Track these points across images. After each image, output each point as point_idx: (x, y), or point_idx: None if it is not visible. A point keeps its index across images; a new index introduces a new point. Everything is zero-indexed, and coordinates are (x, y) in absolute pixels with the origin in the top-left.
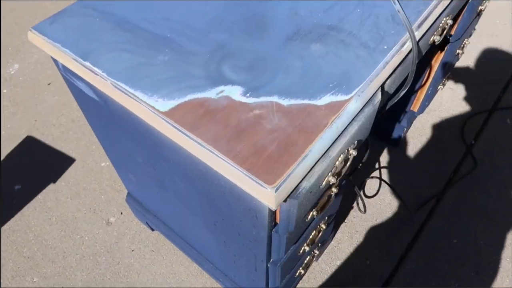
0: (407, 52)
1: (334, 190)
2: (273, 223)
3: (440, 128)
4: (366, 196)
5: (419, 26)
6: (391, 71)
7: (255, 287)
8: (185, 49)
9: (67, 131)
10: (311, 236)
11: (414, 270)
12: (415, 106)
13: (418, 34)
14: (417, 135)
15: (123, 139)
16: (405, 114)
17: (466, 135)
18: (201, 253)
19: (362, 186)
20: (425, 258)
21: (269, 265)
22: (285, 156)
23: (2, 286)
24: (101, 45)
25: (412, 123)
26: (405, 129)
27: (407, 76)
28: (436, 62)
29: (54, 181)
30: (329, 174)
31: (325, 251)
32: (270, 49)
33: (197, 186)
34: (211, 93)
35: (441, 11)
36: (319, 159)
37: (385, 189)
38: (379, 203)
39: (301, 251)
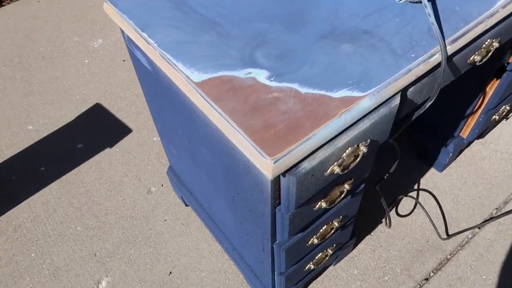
0: (434, 63)
1: (347, 186)
2: (277, 201)
3: (492, 162)
4: (398, 215)
5: (454, 41)
6: (413, 79)
7: (263, 270)
8: (228, 33)
9: (131, 104)
10: (321, 230)
11: None
12: (464, 132)
13: (450, 49)
14: (465, 164)
15: (167, 109)
16: (452, 138)
17: None
18: (222, 231)
19: (395, 202)
20: (448, 287)
21: (274, 246)
22: (291, 135)
23: (50, 229)
24: (158, 20)
25: (460, 149)
26: (451, 154)
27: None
28: (491, 89)
29: (111, 146)
30: (335, 163)
31: (345, 258)
32: (302, 42)
33: (220, 159)
34: (240, 73)
35: (482, 30)
36: (323, 145)
37: (420, 210)
38: (410, 223)
39: (309, 242)
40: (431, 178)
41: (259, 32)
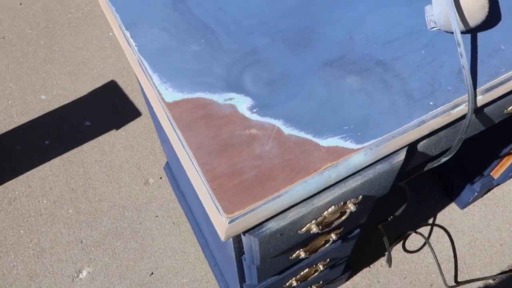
0: (458, 116)
1: (333, 236)
2: (242, 250)
3: None
4: (405, 250)
5: (488, 90)
6: (427, 132)
7: None
8: (220, 44)
9: None
10: (302, 273)
11: None
12: (496, 172)
13: (482, 100)
14: (492, 204)
15: (153, 110)
16: (481, 177)
17: None
18: (207, 242)
19: (403, 237)
20: None
21: (244, 286)
22: (258, 188)
23: (43, 207)
24: (148, 18)
25: (488, 188)
26: (476, 193)
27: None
28: None
29: (117, 128)
30: (312, 222)
31: None
32: (301, 67)
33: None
34: (220, 97)
35: None
36: (298, 203)
37: (429, 249)
38: (415, 261)
39: (287, 284)
40: (449, 214)
41: (254, 48)
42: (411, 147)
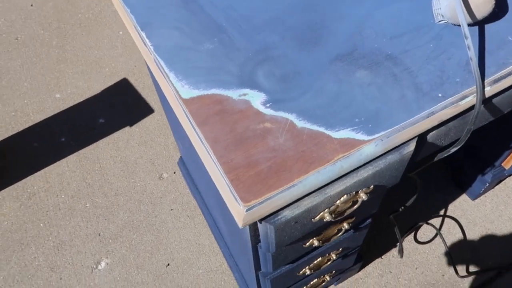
0: (466, 107)
1: (346, 225)
2: (258, 238)
3: None
4: (417, 241)
5: (496, 81)
6: (436, 123)
7: (252, 286)
8: (232, 43)
9: None
10: (316, 262)
11: None
12: (507, 163)
13: (490, 91)
14: (504, 195)
15: (168, 107)
16: (492, 168)
17: None
18: (221, 234)
19: (414, 228)
20: None
21: (259, 274)
22: (273, 179)
23: (62, 201)
24: (162, 18)
25: (499, 179)
26: (488, 184)
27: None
28: None
29: (131, 124)
30: (325, 210)
31: (348, 278)
32: (312, 64)
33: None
34: (235, 93)
35: None
36: (311, 193)
37: (441, 240)
38: (427, 252)
39: (301, 272)
40: (460, 205)
41: (266, 46)
42: (421, 138)
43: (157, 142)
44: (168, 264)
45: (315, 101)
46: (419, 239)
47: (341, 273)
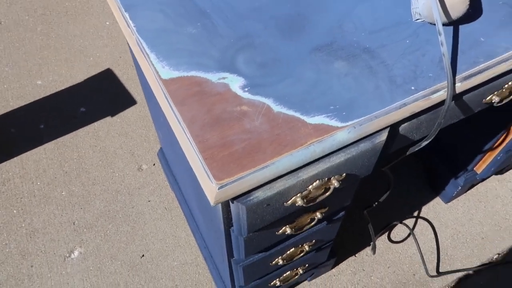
0: (437, 101)
1: (318, 215)
2: (230, 221)
3: (506, 203)
4: (390, 240)
5: (467, 78)
6: (407, 115)
7: (228, 278)
8: (216, 29)
9: None
10: (289, 252)
11: None
12: (479, 167)
13: (461, 87)
14: (476, 200)
15: (149, 94)
16: (465, 171)
17: None
18: (197, 225)
19: (388, 227)
20: None
21: (232, 261)
22: (247, 159)
23: (37, 188)
24: (146, 1)
25: (471, 183)
26: (460, 188)
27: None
28: None
29: (112, 115)
30: (298, 194)
31: (322, 275)
32: (293, 53)
33: (185, 157)
34: (214, 76)
35: (506, 70)
36: (283, 175)
37: (413, 240)
38: (400, 251)
39: (273, 262)
40: (434, 208)
41: (248, 33)
42: (393, 128)
43: (138, 133)
44: (143, 255)
45: (293, 88)
46: (393, 239)
47: (315, 268)
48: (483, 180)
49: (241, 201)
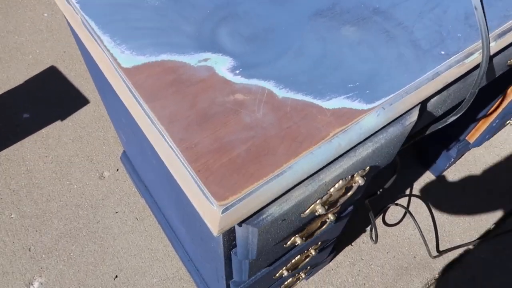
0: (472, 66)
1: (331, 217)
2: (232, 242)
3: (496, 169)
4: (386, 224)
5: (501, 36)
6: (441, 87)
7: None
8: None
9: None
10: (293, 261)
11: None
12: (471, 136)
13: (495, 47)
14: (465, 170)
15: (106, 88)
16: (457, 142)
17: None
18: (178, 237)
19: (382, 211)
20: None
21: (230, 284)
22: (254, 166)
23: None
24: None
25: (463, 154)
26: (453, 159)
27: (464, 99)
28: None
29: (62, 119)
30: (317, 201)
31: (319, 271)
32: (288, 20)
33: (164, 169)
34: (192, 59)
35: None
36: (303, 181)
37: (409, 220)
38: (397, 234)
39: (277, 275)
40: (425, 183)
41: (228, 0)
42: (422, 106)
43: (95, 136)
44: (116, 276)
45: (296, 65)
46: (388, 222)
47: (314, 267)
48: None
49: (252, 223)
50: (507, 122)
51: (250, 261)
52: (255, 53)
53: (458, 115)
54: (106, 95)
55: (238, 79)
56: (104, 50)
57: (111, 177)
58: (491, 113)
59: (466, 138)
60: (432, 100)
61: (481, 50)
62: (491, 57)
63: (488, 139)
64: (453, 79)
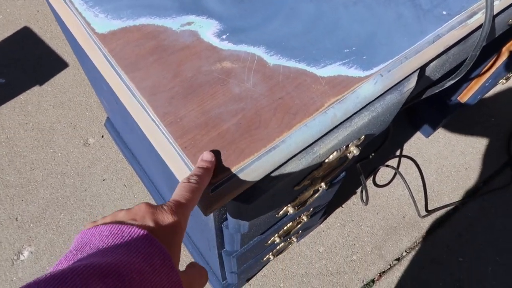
0: (474, 27)
1: (324, 186)
2: (223, 216)
3: (485, 128)
4: (376, 185)
5: None
6: (442, 50)
7: (213, 260)
8: None
9: None
10: (285, 228)
11: (403, 280)
12: (464, 96)
13: (499, 5)
14: (455, 129)
15: (82, 54)
16: (449, 102)
17: None
18: None
19: (373, 173)
20: (420, 269)
21: (222, 253)
22: (245, 141)
23: None
24: None
25: (454, 114)
26: (444, 120)
27: (462, 61)
28: (509, 49)
29: (41, 83)
30: (312, 172)
31: (310, 233)
32: None
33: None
34: (174, 23)
35: None
36: (297, 154)
37: (399, 180)
38: (386, 195)
39: (269, 242)
40: (415, 144)
41: None
42: (421, 71)
43: (77, 102)
44: None
45: (288, 28)
46: (378, 182)
47: (305, 231)
48: None
49: (243, 200)
50: (499, 81)
51: (242, 233)
52: (243, 16)
53: (457, 79)
54: (83, 60)
55: (225, 45)
56: (75, 14)
57: (96, 144)
58: (484, 73)
59: (458, 98)
60: (431, 65)
61: (484, 10)
62: (493, 17)
63: (481, 98)
64: (454, 41)
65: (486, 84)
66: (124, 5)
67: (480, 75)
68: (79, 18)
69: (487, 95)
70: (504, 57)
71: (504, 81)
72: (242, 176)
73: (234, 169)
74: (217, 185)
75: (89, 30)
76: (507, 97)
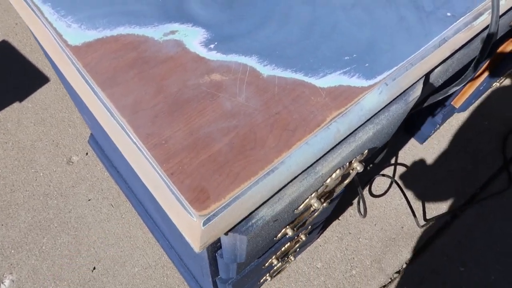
0: (480, 29)
1: (325, 204)
2: (217, 244)
3: (479, 132)
4: (372, 195)
5: None
6: (448, 54)
7: (205, 282)
8: None
9: None
10: (283, 249)
11: None
12: (457, 101)
13: (505, 5)
14: (449, 135)
15: (58, 69)
16: (442, 108)
17: (508, 147)
18: (156, 224)
19: (369, 182)
20: (421, 281)
21: (217, 280)
22: (239, 163)
23: None
24: None
25: (447, 119)
26: (438, 125)
27: (464, 66)
28: (505, 50)
29: (21, 100)
30: (313, 195)
31: (308, 248)
32: None
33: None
34: (156, 32)
35: None
36: (298, 176)
37: (396, 189)
38: (383, 205)
39: (266, 264)
40: (410, 151)
41: None
42: (426, 78)
43: (59, 118)
44: (94, 268)
45: (281, 34)
46: (374, 192)
47: (303, 247)
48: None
49: (240, 231)
50: (494, 84)
51: (238, 262)
52: (232, 22)
53: (461, 85)
54: (61, 75)
55: (214, 55)
56: (45, 24)
57: (80, 162)
58: (478, 76)
59: (452, 103)
60: (436, 70)
61: (490, 10)
62: (499, 17)
63: (474, 102)
64: (461, 44)
65: (481, 88)
66: (100, 14)
67: (474, 79)
68: (50, 29)
69: (481, 99)
70: (498, 60)
71: (497, 84)
72: (237, 204)
73: (228, 197)
74: (210, 217)
75: (61, 42)
76: (500, 100)
